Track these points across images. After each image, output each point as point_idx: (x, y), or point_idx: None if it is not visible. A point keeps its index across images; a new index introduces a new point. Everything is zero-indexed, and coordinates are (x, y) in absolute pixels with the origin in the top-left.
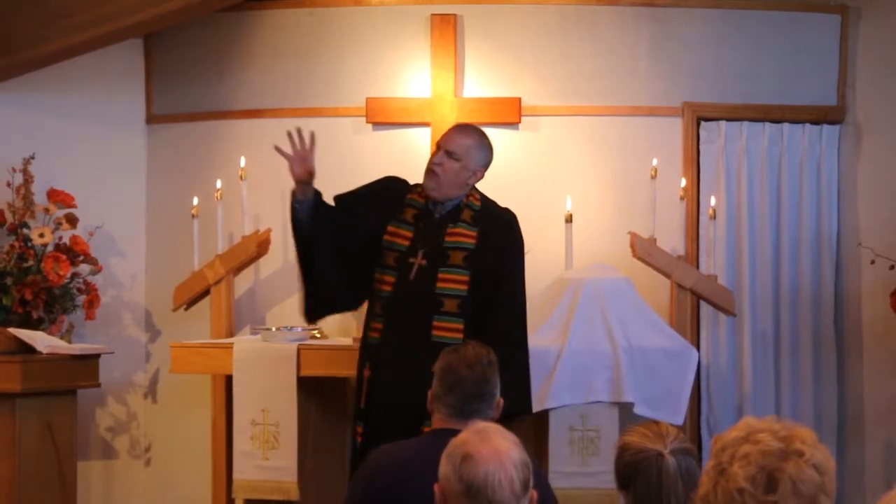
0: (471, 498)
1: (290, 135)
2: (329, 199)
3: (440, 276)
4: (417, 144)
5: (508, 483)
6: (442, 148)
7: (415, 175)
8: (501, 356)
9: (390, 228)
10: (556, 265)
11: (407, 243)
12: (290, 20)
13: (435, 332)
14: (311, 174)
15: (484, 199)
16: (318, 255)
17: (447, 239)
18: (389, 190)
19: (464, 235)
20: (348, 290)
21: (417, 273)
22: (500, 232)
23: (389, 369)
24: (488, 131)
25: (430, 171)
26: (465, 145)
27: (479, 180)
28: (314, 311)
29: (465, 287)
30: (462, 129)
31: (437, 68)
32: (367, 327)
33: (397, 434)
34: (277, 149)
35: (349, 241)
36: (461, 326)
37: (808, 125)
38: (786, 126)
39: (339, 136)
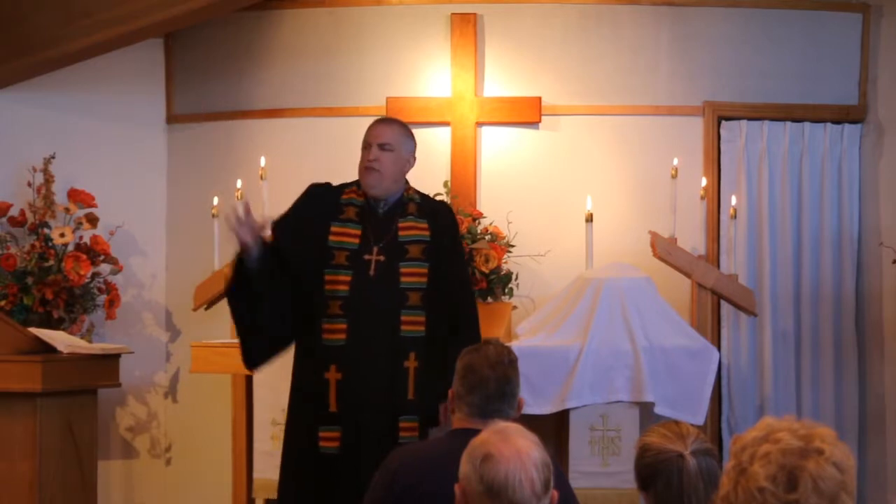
0: (491, 498)
1: (228, 217)
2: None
3: (402, 270)
4: (437, 144)
5: (529, 483)
6: (373, 143)
7: (436, 174)
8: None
9: (335, 229)
10: (577, 264)
11: (357, 241)
12: (311, 20)
13: (403, 327)
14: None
15: (419, 192)
16: (266, 302)
17: (401, 233)
18: (319, 196)
19: (417, 228)
20: (294, 325)
21: (377, 269)
22: (447, 222)
23: (362, 368)
24: (509, 131)
25: (368, 170)
26: (394, 134)
27: (411, 169)
28: (259, 360)
29: (425, 280)
30: (385, 120)
31: (457, 68)
32: (322, 330)
33: (378, 433)
34: (230, 224)
35: (300, 267)
36: (423, 319)
37: (829, 124)
38: (807, 125)
39: (359, 136)
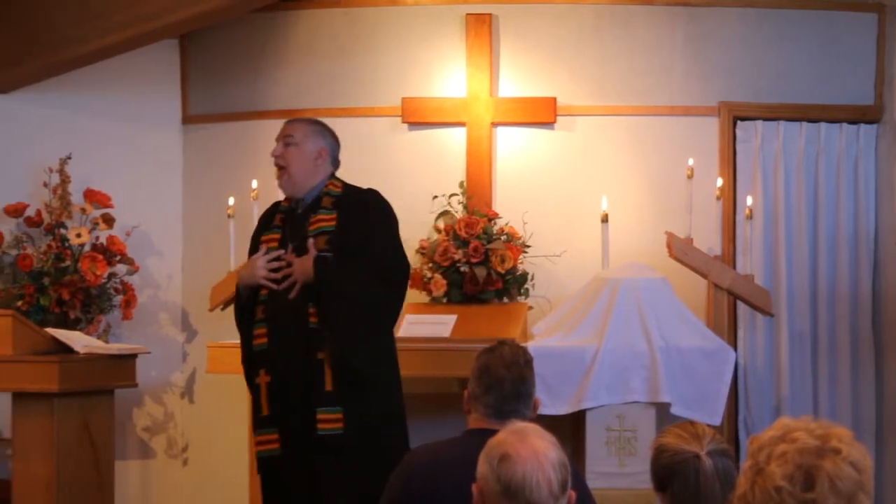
0: (509, 498)
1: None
2: None
3: None
4: (453, 144)
5: (546, 484)
6: (278, 140)
7: (451, 175)
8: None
9: (263, 238)
10: (593, 265)
11: (277, 245)
12: (326, 20)
13: (311, 320)
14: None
15: (346, 185)
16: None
17: (310, 228)
18: (264, 216)
19: (324, 220)
20: None
21: (287, 267)
22: (360, 209)
23: (283, 367)
24: (524, 131)
25: (277, 168)
26: (297, 129)
27: (328, 164)
28: None
29: None
30: (291, 119)
31: (472, 68)
32: (252, 336)
33: (302, 429)
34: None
35: None
36: None
37: (845, 124)
38: (823, 125)
39: (374, 136)
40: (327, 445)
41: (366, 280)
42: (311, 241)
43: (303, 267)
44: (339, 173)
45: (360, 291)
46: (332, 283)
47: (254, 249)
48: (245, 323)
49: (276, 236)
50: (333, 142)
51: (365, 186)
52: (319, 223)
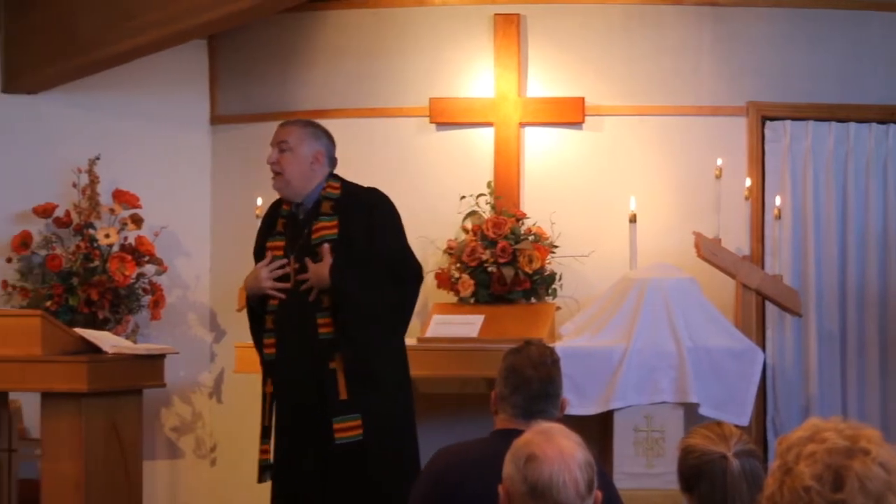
0: (535, 498)
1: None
2: None
3: None
4: (481, 144)
5: (573, 484)
6: (273, 146)
7: (479, 175)
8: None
9: (268, 245)
10: (621, 265)
11: (282, 253)
12: (354, 20)
13: (321, 330)
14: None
15: (346, 185)
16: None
17: (313, 236)
18: (266, 217)
19: (326, 228)
20: None
21: (294, 277)
22: (362, 211)
23: (291, 378)
24: (552, 131)
25: (273, 174)
26: (290, 133)
27: (325, 166)
28: None
29: None
30: (285, 123)
31: (500, 68)
32: (263, 345)
33: (313, 440)
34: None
35: None
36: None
37: (874, 124)
38: (852, 125)
39: (402, 137)
40: (347, 453)
41: (380, 284)
42: (325, 246)
43: (318, 274)
44: (367, 174)
45: (375, 296)
46: (347, 290)
47: (258, 252)
48: (256, 332)
49: (281, 244)
50: (329, 142)
51: (392, 187)
52: (322, 231)
